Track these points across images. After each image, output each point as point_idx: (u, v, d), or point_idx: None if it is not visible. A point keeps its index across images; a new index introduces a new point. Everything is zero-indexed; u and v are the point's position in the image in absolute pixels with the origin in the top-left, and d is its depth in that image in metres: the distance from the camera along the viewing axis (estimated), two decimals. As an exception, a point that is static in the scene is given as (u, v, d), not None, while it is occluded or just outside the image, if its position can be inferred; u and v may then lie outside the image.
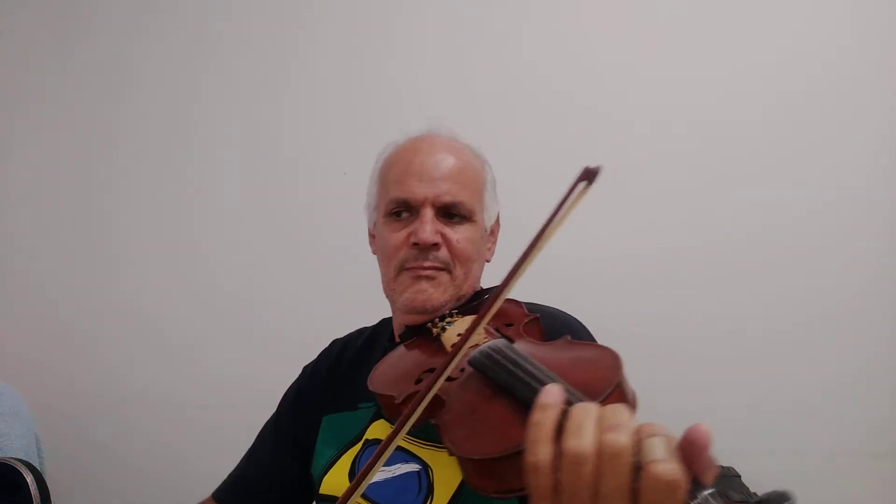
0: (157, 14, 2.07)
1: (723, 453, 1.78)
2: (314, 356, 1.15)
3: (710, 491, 0.46)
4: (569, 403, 0.52)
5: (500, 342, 0.73)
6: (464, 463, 0.62)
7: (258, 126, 1.99)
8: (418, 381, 0.81)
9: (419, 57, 1.91)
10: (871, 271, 1.68)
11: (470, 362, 0.72)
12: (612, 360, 0.65)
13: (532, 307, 0.95)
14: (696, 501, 0.45)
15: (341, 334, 1.18)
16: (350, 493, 0.62)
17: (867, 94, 1.69)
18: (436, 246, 0.94)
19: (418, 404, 0.66)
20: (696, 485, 0.45)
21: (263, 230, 1.96)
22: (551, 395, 0.51)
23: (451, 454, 0.65)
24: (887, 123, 1.68)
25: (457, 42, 1.89)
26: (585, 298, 1.71)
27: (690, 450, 0.46)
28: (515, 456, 0.55)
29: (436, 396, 0.73)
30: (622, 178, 1.77)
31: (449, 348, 0.85)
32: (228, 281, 1.96)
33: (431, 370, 0.80)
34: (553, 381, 0.60)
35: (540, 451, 0.48)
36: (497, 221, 1.08)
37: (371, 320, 1.19)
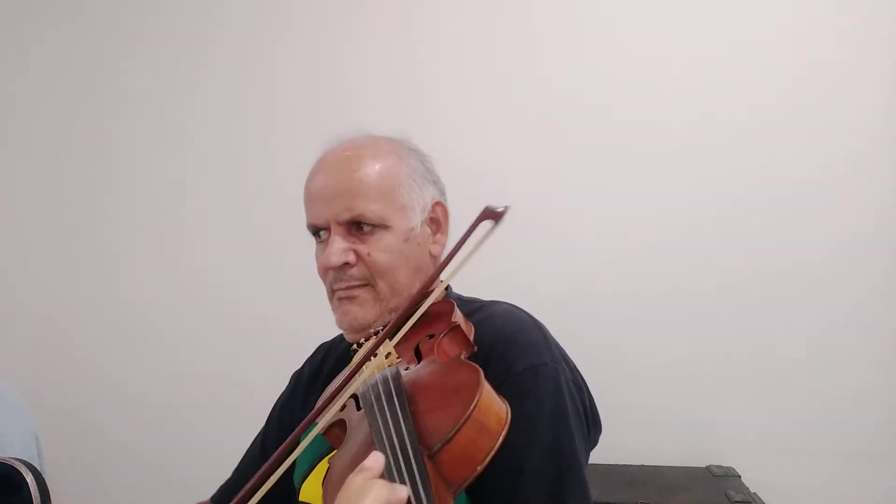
0: (147, 13, 2.05)
1: (723, 453, 1.80)
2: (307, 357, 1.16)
3: None
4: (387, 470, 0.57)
5: (380, 377, 0.73)
6: None
7: (249, 127, 1.98)
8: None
9: (420, 56, 1.90)
10: (873, 273, 1.68)
11: (359, 389, 0.74)
12: (466, 390, 0.63)
13: (474, 307, 0.92)
14: None
15: (333, 335, 1.18)
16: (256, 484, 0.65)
17: (868, 96, 1.69)
18: (347, 265, 0.93)
19: (299, 435, 0.70)
20: None
21: (258, 233, 1.96)
22: (375, 458, 0.58)
23: None
24: (887, 124, 1.68)
25: (456, 41, 1.89)
26: (589, 300, 1.72)
27: None
28: None
29: (343, 423, 0.76)
30: (623, 180, 1.77)
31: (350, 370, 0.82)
32: (228, 281, 1.96)
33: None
34: (398, 434, 0.62)
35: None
36: (441, 209, 1.01)
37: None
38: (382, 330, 0.89)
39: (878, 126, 1.69)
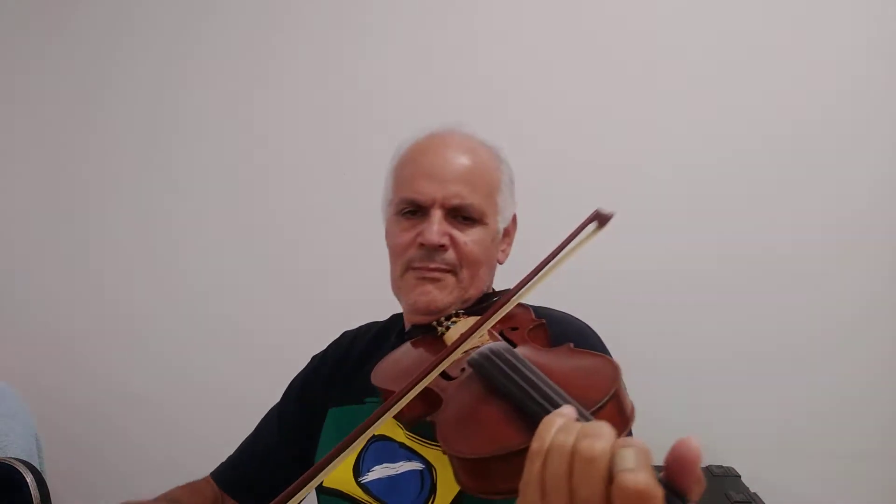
0: (143, 12, 2.05)
1: (723, 453, 1.80)
2: (308, 360, 1.16)
3: None
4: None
5: (500, 345, 0.73)
6: (452, 461, 0.63)
7: (252, 129, 1.98)
8: None
9: (420, 57, 1.90)
10: (873, 275, 1.68)
11: (469, 362, 0.72)
12: (610, 371, 0.65)
13: (541, 312, 0.95)
14: None
15: (332, 336, 1.18)
16: (327, 461, 0.62)
17: (869, 116, 1.69)
18: (442, 248, 0.94)
19: (407, 391, 0.66)
20: (681, 501, 0.45)
21: (258, 234, 1.96)
22: (567, 409, 0.52)
23: (443, 452, 0.65)
24: (889, 144, 1.69)
25: (457, 42, 1.89)
26: (593, 307, 1.71)
27: (678, 464, 0.46)
28: (504, 458, 0.56)
29: (434, 394, 0.74)
30: (630, 204, 1.77)
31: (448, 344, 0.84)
32: (228, 282, 1.96)
33: None
34: (549, 387, 0.61)
35: (546, 439, 0.49)
36: (514, 222, 1.07)
37: (362, 321, 1.19)
38: (464, 311, 0.95)
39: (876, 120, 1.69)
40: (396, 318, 1.12)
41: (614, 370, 0.65)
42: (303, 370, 1.14)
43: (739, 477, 1.60)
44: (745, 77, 1.74)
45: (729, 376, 1.71)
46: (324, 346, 1.15)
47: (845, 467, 1.66)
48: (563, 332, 0.91)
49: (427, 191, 0.94)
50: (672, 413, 1.70)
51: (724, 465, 1.66)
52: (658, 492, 0.43)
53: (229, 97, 1.99)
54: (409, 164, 0.99)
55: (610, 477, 0.45)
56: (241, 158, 1.98)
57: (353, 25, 1.93)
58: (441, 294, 0.94)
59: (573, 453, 0.47)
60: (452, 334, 0.89)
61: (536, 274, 0.74)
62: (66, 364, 2.02)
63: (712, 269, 1.72)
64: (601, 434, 0.47)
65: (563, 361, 0.73)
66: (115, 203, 2.04)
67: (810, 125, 1.71)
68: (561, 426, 0.49)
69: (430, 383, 0.70)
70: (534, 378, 0.63)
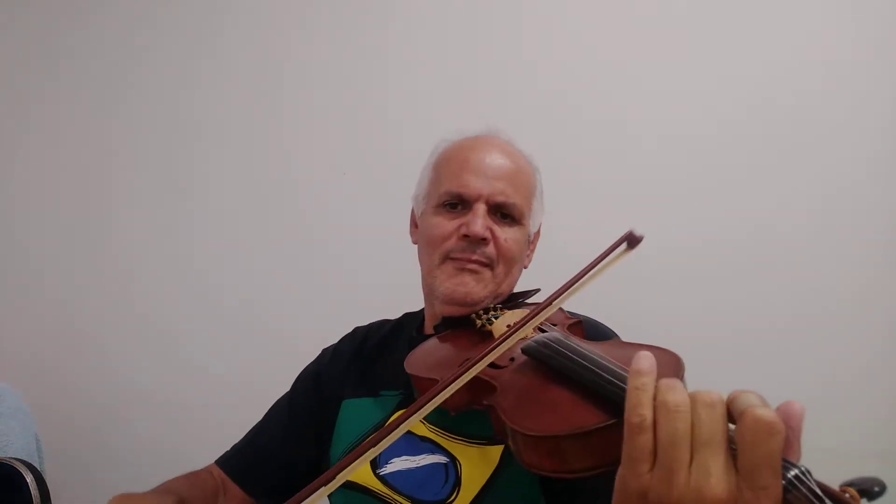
0: (157, 14, 2.07)
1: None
2: (314, 356, 1.16)
3: (803, 468, 0.47)
4: None
5: (557, 333, 0.75)
6: (524, 441, 0.62)
7: (259, 127, 1.99)
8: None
9: (420, 57, 1.90)
10: (870, 270, 1.68)
11: (524, 351, 0.74)
12: (675, 361, 0.66)
13: (571, 314, 0.98)
14: (790, 475, 0.45)
15: (342, 334, 1.18)
16: (369, 446, 0.63)
17: (865, 93, 1.69)
18: (484, 241, 0.97)
19: (458, 377, 0.67)
20: (786, 462, 0.46)
21: (264, 230, 1.96)
22: (646, 361, 0.52)
23: (503, 436, 0.65)
24: (886, 122, 1.68)
25: (457, 43, 1.89)
26: (588, 300, 1.72)
27: (784, 420, 0.47)
28: (580, 437, 0.57)
29: (485, 382, 0.75)
30: (625, 179, 1.77)
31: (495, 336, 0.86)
32: (228, 281, 1.96)
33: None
34: (618, 367, 0.62)
35: (645, 409, 0.49)
36: (538, 231, 1.11)
37: (370, 318, 1.19)
38: (503, 306, 0.98)
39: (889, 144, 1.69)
40: (411, 316, 1.15)
41: (678, 360, 0.67)
42: (313, 362, 1.15)
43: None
44: (738, 60, 1.74)
45: (729, 376, 1.70)
46: (333, 341, 1.16)
47: (846, 467, 1.65)
48: (596, 332, 0.95)
49: (474, 185, 0.98)
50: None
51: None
52: (783, 427, 0.45)
53: (250, 95, 2.00)
54: (455, 160, 1.03)
55: (731, 418, 0.47)
56: (260, 155, 1.98)
57: (375, 25, 1.93)
58: (478, 287, 0.97)
59: (693, 402, 0.48)
60: (499, 326, 0.91)
61: (567, 289, 0.76)
62: (67, 365, 2.02)
63: (713, 264, 1.72)
64: (709, 389, 0.49)
65: (621, 350, 0.74)
66: (116, 203, 2.04)
67: (810, 95, 1.71)
68: (662, 386, 0.50)
69: (479, 371, 0.71)
70: (600, 360, 0.64)
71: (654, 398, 0.50)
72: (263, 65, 1.99)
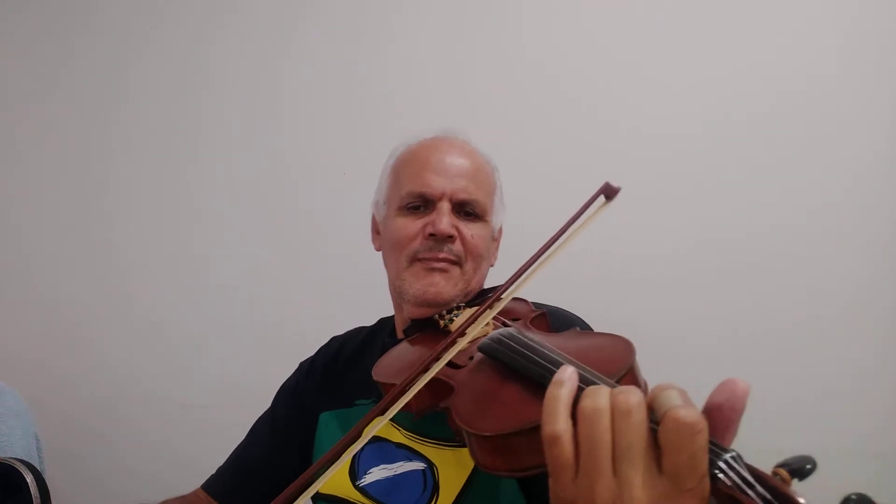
0: (156, 15, 2.07)
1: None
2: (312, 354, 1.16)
3: (732, 454, 0.46)
4: (584, 382, 0.53)
5: (511, 329, 0.74)
6: (473, 442, 0.62)
7: (257, 125, 1.98)
8: None
9: (420, 57, 1.90)
10: (870, 269, 1.68)
11: (480, 349, 0.73)
12: (623, 346, 0.66)
13: (537, 305, 0.96)
14: (721, 461, 0.45)
15: (340, 332, 1.18)
16: (334, 454, 0.62)
17: (867, 94, 1.69)
18: (451, 238, 0.97)
19: (414, 380, 0.67)
20: (716, 448, 0.45)
21: (262, 229, 1.96)
22: (567, 372, 0.52)
23: (460, 438, 0.65)
24: (888, 123, 1.68)
25: (457, 42, 1.89)
26: (581, 296, 1.72)
27: (727, 400, 0.47)
28: (530, 432, 0.56)
29: (444, 383, 0.74)
30: (625, 179, 1.77)
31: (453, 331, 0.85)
32: (228, 280, 1.96)
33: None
34: (567, 360, 0.61)
35: (558, 420, 0.49)
36: (501, 229, 1.11)
37: (370, 319, 1.19)
38: (465, 304, 0.97)
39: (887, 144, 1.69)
40: (385, 322, 1.14)
41: (628, 345, 0.66)
42: (291, 376, 1.14)
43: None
44: (734, 64, 1.74)
45: (729, 376, 1.71)
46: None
47: (846, 468, 1.65)
48: (561, 321, 0.94)
49: (436, 184, 0.98)
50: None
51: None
52: (705, 424, 0.45)
53: (249, 95, 2.00)
54: (415, 162, 1.02)
55: (653, 423, 0.46)
56: (259, 154, 1.98)
57: (376, 25, 1.93)
58: (448, 285, 0.96)
59: (613, 409, 0.47)
60: (458, 324, 0.89)
61: (547, 249, 0.75)
62: (67, 364, 2.02)
63: (713, 265, 1.72)
64: (632, 390, 0.48)
65: (574, 342, 0.74)
66: (115, 202, 2.04)
67: (810, 100, 1.71)
68: (588, 391, 0.49)
69: (438, 372, 0.71)
70: (550, 354, 0.64)
71: (577, 403, 0.49)
72: (263, 64, 1.99)
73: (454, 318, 0.93)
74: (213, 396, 1.92)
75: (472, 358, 0.77)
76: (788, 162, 1.71)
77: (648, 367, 1.73)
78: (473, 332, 0.74)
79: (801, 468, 0.47)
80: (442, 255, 0.96)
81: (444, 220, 0.96)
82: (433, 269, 0.96)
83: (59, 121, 2.10)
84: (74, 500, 1.93)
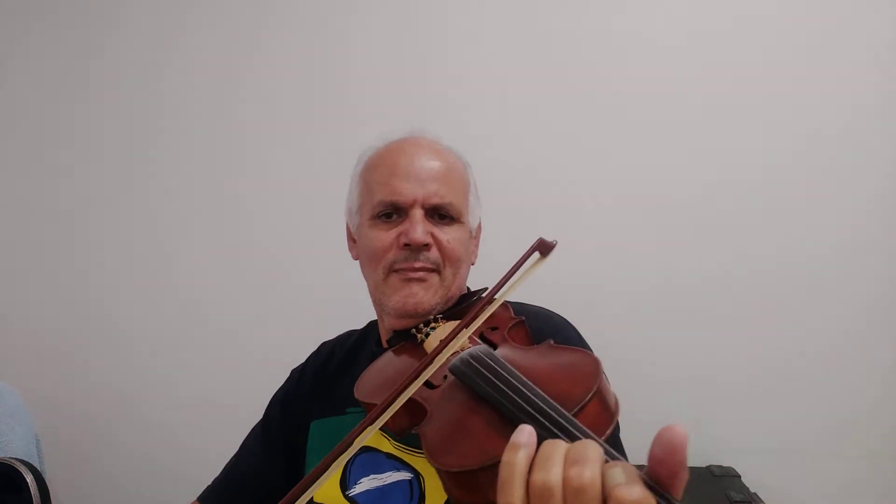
0: (130, 10, 2.04)
1: (723, 453, 1.79)
2: (306, 357, 1.16)
3: None
4: (544, 429, 0.53)
5: (480, 350, 0.71)
6: (444, 476, 0.61)
7: (241, 127, 1.96)
8: None
9: (417, 55, 1.90)
10: (873, 272, 1.68)
11: (451, 370, 0.71)
12: (591, 367, 0.65)
13: (519, 308, 0.95)
14: None
15: (331, 337, 1.18)
16: (303, 487, 0.61)
17: (855, 67, 1.69)
18: (427, 246, 0.94)
19: (389, 404, 0.66)
20: (668, 501, 0.45)
21: (261, 230, 1.95)
22: (524, 434, 0.50)
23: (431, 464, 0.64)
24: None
25: (452, 41, 1.88)
26: (587, 300, 1.73)
27: (665, 450, 0.45)
28: (492, 468, 0.54)
29: (418, 404, 0.73)
30: (626, 180, 1.77)
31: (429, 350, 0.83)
32: (227, 280, 1.96)
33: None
34: (531, 392, 0.60)
35: (513, 491, 0.48)
36: (479, 225, 1.08)
37: (360, 324, 1.19)
38: (443, 316, 0.94)
39: (876, 120, 1.69)
40: (374, 325, 1.12)
41: (595, 365, 0.65)
42: (283, 385, 1.13)
43: (739, 477, 1.60)
44: (756, 88, 1.72)
45: (730, 376, 1.71)
46: (307, 351, 1.15)
47: (846, 468, 1.66)
48: (542, 327, 0.91)
49: (407, 191, 0.94)
50: (673, 413, 1.71)
51: (724, 465, 1.66)
52: (652, 500, 0.44)
53: (217, 99, 1.97)
54: (383, 168, 0.98)
55: (603, 499, 0.45)
56: (231, 163, 1.97)
57: (357, 22, 1.92)
58: (427, 294, 0.94)
59: (565, 485, 0.46)
60: (432, 341, 0.88)
61: (483, 306, 0.75)
62: (67, 365, 2.02)
63: (713, 267, 1.72)
64: (588, 460, 0.46)
65: (543, 360, 0.72)
66: (113, 203, 2.04)
67: (821, 138, 1.70)
68: (536, 462, 0.48)
69: (413, 394, 0.69)
70: (515, 382, 0.62)
71: (531, 467, 0.48)
72: (245, 65, 1.96)
73: (430, 332, 0.90)
74: (213, 397, 1.92)
75: (446, 377, 0.74)
76: (808, 190, 1.71)
77: (650, 369, 1.73)
78: (449, 351, 0.72)
79: None
80: (418, 265, 0.93)
81: (419, 228, 0.92)
82: (410, 280, 0.93)
83: (33, 127, 2.07)
84: (74, 500, 1.93)
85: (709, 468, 1.64)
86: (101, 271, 2.03)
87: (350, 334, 1.15)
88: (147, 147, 2.03)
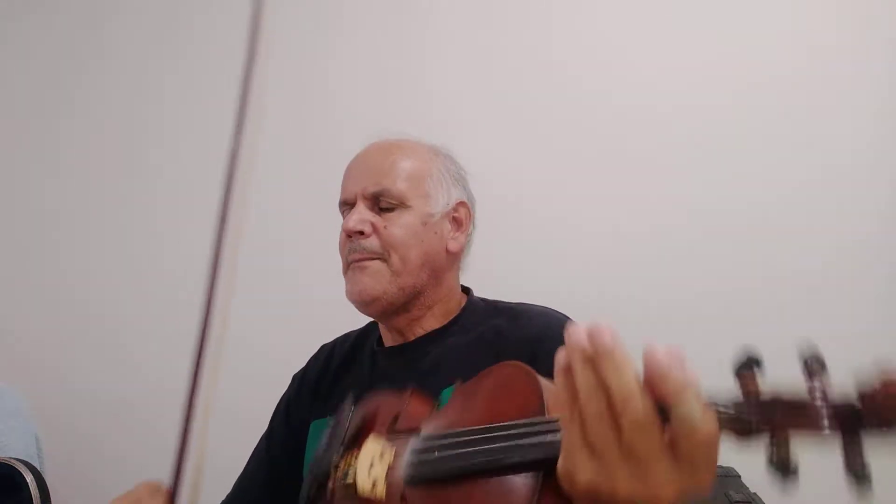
0: (123, 10, 2.05)
1: (723, 453, 1.78)
2: (307, 359, 1.16)
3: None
4: (543, 440, 0.52)
5: (413, 442, 0.65)
6: None
7: (230, 125, 1.96)
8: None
9: (412, 55, 1.90)
10: (876, 277, 1.68)
11: (409, 482, 0.63)
12: (518, 369, 0.62)
13: (501, 308, 0.97)
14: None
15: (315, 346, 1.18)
16: None
17: (856, 76, 1.69)
18: (361, 234, 0.97)
19: None
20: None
21: (261, 230, 1.95)
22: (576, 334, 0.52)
23: None
24: (877, 105, 1.68)
25: (450, 38, 1.89)
26: (575, 279, 1.72)
27: (655, 377, 0.47)
28: None
29: None
30: (617, 162, 1.78)
31: (381, 495, 0.69)
32: (227, 282, 1.95)
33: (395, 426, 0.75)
34: (491, 434, 0.56)
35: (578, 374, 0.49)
36: (465, 209, 1.05)
37: (359, 326, 1.19)
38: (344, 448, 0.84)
39: (876, 127, 1.69)
40: (373, 325, 1.13)
41: (515, 365, 0.62)
42: (286, 392, 1.15)
43: (739, 477, 1.59)
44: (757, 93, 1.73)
45: (729, 376, 1.71)
46: (307, 355, 1.16)
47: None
48: (534, 330, 0.91)
49: (350, 188, 1.01)
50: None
51: (724, 465, 1.66)
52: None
53: (217, 92, 1.97)
54: (344, 173, 1.05)
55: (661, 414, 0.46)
56: (223, 161, 1.97)
57: (349, 24, 1.93)
58: (371, 281, 0.96)
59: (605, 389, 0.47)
60: (363, 481, 0.71)
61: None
62: (67, 365, 2.02)
63: (713, 266, 1.72)
64: (630, 388, 0.48)
65: (473, 401, 0.66)
66: (113, 202, 2.04)
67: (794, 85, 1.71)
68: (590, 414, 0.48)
69: None
70: (479, 435, 0.57)
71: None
72: (236, 63, 1.96)
73: (349, 472, 0.75)
74: (214, 398, 1.91)
75: (403, 498, 0.64)
76: (780, 143, 1.71)
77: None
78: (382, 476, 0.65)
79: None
80: (358, 256, 0.97)
81: (353, 217, 0.97)
82: (355, 269, 0.98)
83: (16, 121, 2.08)
84: (74, 501, 1.92)
85: (709, 468, 1.64)
86: (101, 271, 2.03)
87: (348, 336, 1.16)
88: (146, 147, 2.03)
